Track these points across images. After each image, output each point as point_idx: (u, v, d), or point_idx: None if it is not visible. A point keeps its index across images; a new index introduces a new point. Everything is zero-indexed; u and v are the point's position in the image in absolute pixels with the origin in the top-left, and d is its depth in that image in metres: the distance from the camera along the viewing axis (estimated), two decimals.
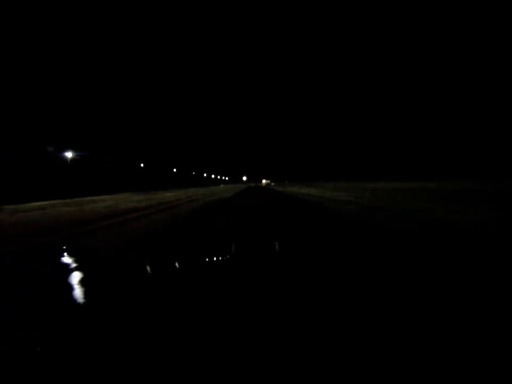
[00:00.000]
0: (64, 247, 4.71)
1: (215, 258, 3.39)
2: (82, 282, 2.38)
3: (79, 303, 1.83)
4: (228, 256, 3.61)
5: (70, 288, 2.20)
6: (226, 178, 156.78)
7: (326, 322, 1.37)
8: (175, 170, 70.19)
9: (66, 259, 3.74)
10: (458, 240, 4.82)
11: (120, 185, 30.95)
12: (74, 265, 3.23)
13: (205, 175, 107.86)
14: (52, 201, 13.34)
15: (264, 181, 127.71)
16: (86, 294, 2.04)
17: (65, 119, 38.14)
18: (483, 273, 2.40)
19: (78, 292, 2.09)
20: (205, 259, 3.32)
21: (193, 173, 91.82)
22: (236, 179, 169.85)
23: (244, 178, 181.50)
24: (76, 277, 2.61)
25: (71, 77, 41.63)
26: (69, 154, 35.12)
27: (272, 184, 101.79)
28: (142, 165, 52.09)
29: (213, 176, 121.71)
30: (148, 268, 2.97)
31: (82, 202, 13.68)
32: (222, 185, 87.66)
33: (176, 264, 3.14)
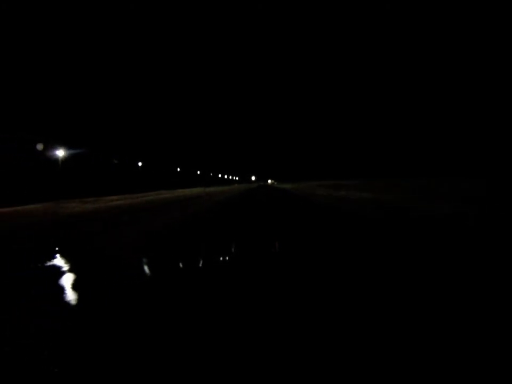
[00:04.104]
0: (196, 203, 23.33)
1: (257, 204, 21.99)
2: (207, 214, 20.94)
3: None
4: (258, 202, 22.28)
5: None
6: (237, 178, 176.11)
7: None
8: (198, 172, 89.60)
9: (200, 205, 22.30)
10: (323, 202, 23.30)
11: (182, 183, 50.39)
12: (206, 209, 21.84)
13: (219, 175, 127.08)
14: (172, 190, 32.31)
15: (269, 181, 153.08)
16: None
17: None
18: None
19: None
20: (254, 203, 21.92)
21: (211, 174, 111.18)
22: (245, 179, 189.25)
23: (253, 178, 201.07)
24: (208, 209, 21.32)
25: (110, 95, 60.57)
26: (139, 163, 54.42)
27: (276, 183, 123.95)
28: (178, 169, 71.23)
29: (225, 176, 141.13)
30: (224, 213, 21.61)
31: (191, 190, 32.76)
32: (236, 184, 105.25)
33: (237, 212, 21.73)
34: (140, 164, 53.95)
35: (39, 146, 30.07)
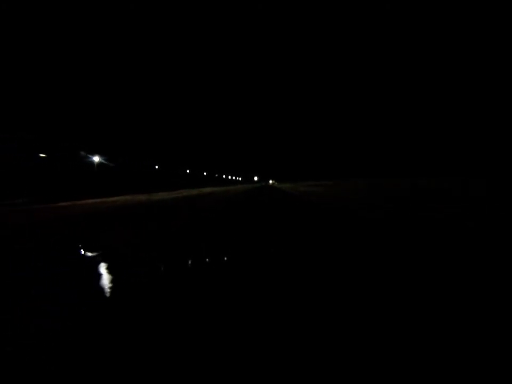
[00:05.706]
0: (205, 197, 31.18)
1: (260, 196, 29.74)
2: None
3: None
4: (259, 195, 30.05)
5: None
6: (240, 179, 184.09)
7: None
8: (205, 173, 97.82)
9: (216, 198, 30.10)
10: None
11: (191, 183, 58.21)
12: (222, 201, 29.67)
13: (224, 176, 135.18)
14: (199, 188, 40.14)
15: (270, 181, 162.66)
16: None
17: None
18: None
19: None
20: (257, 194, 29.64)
21: (216, 175, 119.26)
22: (248, 179, 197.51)
23: (255, 178, 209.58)
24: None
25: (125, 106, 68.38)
26: (156, 166, 62.30)
27: (276, 183, 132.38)
28: (188, 171, 79.28)
29: (229, 177, 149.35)
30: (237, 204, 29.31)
31: (203, 189, 40.61)
32: (239, 185, 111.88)
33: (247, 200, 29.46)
34: (156, 166, 61.88)
35: (83, 154, 38.70)
